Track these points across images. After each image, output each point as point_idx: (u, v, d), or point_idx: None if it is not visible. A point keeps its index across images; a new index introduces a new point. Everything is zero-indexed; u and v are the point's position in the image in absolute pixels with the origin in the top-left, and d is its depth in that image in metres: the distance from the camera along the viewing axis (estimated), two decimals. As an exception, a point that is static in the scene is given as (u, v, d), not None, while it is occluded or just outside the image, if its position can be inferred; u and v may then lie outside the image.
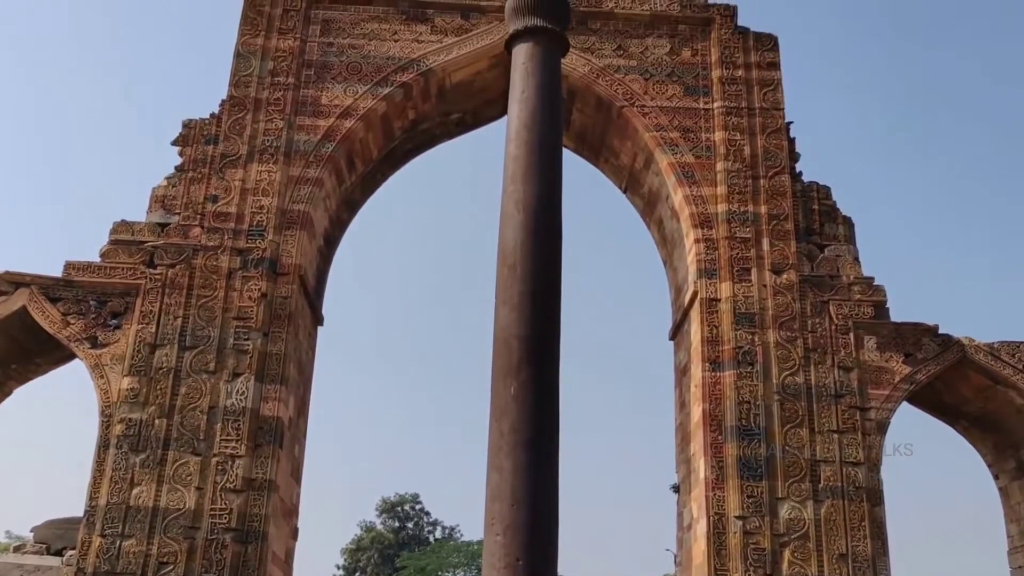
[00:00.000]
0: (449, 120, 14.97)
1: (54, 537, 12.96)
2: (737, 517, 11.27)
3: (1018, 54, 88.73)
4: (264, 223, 12.48)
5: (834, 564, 11.05)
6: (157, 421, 11.39)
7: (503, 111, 9.60)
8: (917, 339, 12.29)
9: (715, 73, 13.57)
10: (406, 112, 14.08)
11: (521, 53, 4.82)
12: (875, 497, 11.44)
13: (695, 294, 12.69)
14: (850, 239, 12.91)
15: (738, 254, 12.52)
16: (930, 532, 62.94)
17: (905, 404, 12.39)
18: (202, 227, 12.46)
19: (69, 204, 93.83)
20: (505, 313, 4.21)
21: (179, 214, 12.58)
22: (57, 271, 12.26)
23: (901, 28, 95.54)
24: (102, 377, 11.70)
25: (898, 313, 12.52)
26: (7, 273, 12.21)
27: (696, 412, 12.41)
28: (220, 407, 11.53)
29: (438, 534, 61.24)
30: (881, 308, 12.44)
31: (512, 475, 3.86)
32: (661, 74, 13.62)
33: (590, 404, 77.53)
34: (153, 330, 11.84)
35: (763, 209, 12.75)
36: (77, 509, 11.61)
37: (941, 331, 12.39)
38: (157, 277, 12.12)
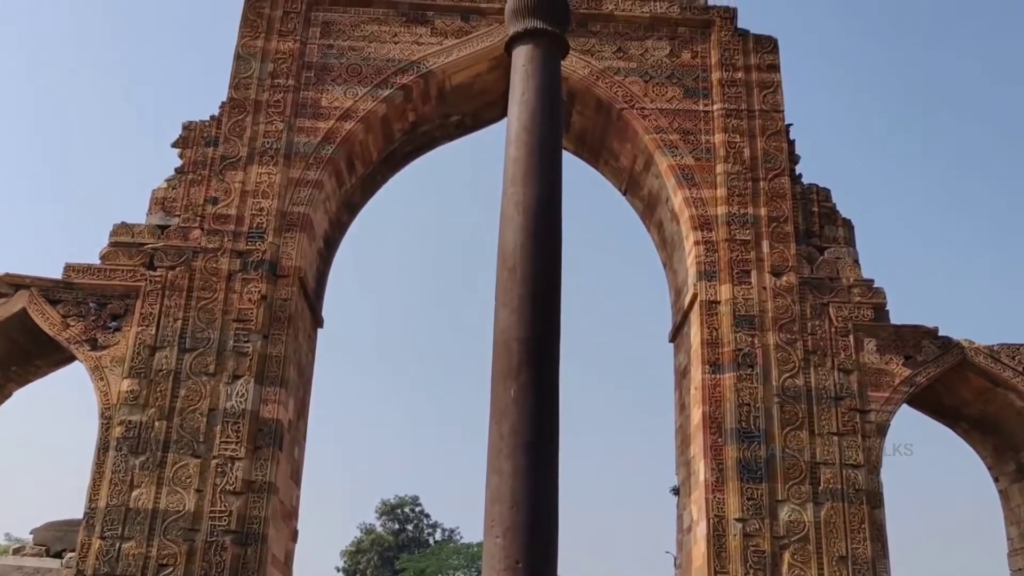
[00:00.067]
0: (449, 122, 14.98)
1: (54, 539, 12.94)
2: (737, 519, 11.27)
3: (1018, 54, 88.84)
4: (264, 225, 12.49)
5: (834, 566, 11.05)
6: (157, 423, 11.39)
7: (503, 113, 9.60)
8: (917, 341, 12.29)
9: (715, 75, 13.58)
10: (406, 114, 14.08)
11: (521, 55, 4.82)
12: (875, 499, 11.43)
13: (695, 296, 12.69)
14: (850, 241, 12.91)
15: (738, 256, 12.52)
16: (930, 534, 62.95)
17: (905, 406, 12.39)
18: (202, 229, 12.46)
19: (69, 205, 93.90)
20: (505, 315, 4.21)
21: (179, 216, 12.59)
22: (57, 273, 12.26)
23: (901, 28, 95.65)
24: (102, 379, 11.70)
25: (898, 315, 12.55)
26: (7, 275, 12.21)
27: (696, 414, 12.41)
28: (220, 409, 11.52)
29: (438, 536, 61.24)
30: (881, 310, 12.44)
31: (512, 477, 3.86)
32: (661, 76, 13.63)
33: (590, 405, 77.54)
34: (153, 332, 11.84)
35: (763, 211, 12.76)
36: (77, 511, 11.62)
37: (941, 333, 12.39)
38: (157, 279, 12.13)
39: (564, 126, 10.40)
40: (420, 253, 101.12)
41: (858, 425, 11.70)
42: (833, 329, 12.20)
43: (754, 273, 12.44)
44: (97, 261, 12.37)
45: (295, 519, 13.28)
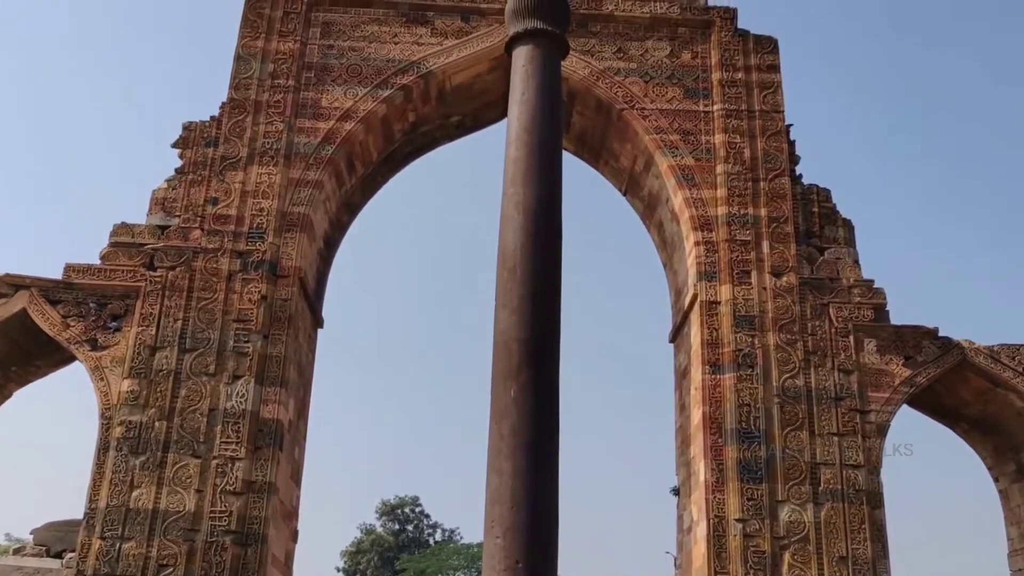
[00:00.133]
0: (449, 123, 14.98)
1: (54, 539, 12.94)
2: (737, 520, 11.27)
3: (1018, 54, 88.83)
4: (264, 225, 12.49)
5: (834, 567, 11.05)
6: (157, 423, 11.39)
7: (503, 114, 9.60)
8: (917, 342, 12.29)
9: (715, 76, 13.58)
10: (406, 114, 14.08)
11: (521, 55, 4.82)
12: (875, 500, 11.43)
13: (695, 297, 12.69)
14: (850, 242, 12.91)
15: (738, 257, 12.52)
16: (930, 534, 62.95)
17: (905, 407, 12.39)
18: (202, 229, 12.47)
19: (69, 205, 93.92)
20: (505, 316, 4.21)
21: (179, 216, 12.59)
22: (57, 273, 12.27)
23: (901, 29, 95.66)
24: (102, 379, 11.70)
25: (898, 315, 12.55)
26: (7, 275, 12.22)
27: (696, 415, 12.41)
28: (220, 409, 11.52)
29: (438, 537, 61.25)
30: (881, 311, 12.44)
31: (512, 477, 3.86)
32: (661, 77, 13.63)
33: (590, 406, 77.54)
34: (153, 332, 11.84)
35: (763, 212, 12.76)
36: (77, 511, 11.62)
37: (941, 334, 12.39)
38: (157, 279, 12.13)
39: (564, 126, 10.40)
40: (420, 253, 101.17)
41: (858, 425, 11.70)
42: (833, 329, 12.21)
43: (754, 273, 12.44)
44: (97, 261, 12.38)
45: (295, 519, 13.28)
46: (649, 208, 14.78)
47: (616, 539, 74.38)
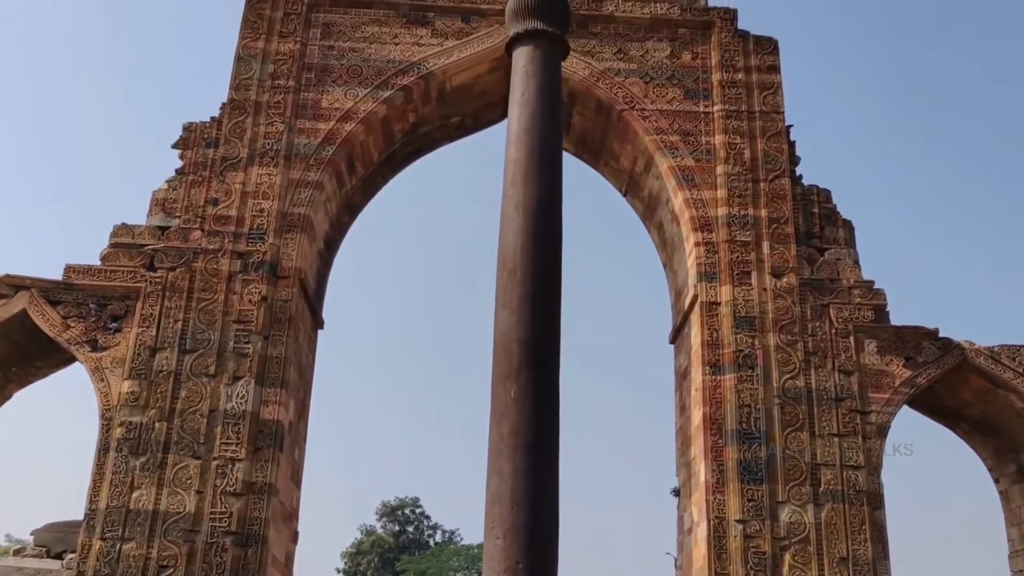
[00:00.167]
0: (449, 123, 14.98)
1: (54, 540, 12.93)
2: (737, 521, 11.26)
3: (1018, 54, 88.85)
4: (264, 226, 12.49)
5: (835, 568, 11.05)
6: (157, 424, 11.39)
7: (503, 114, 9.60)
8: (917, 342, 12.29)
9: (715, 76, 13.58)
10: (406, 115, 14.09)
11: (521, 56, 4.82)
12: (876, 501, 11.43)
13: (695, 297, 12.69)
14: (850, 242, 12.91)
15: (738, 258, 12.52)
16: (930, 535, 62.94)
17: (905, 407, 12.39)
18: (202, 230, 12.47)
19: (69, 206, 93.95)
20: (505, 316, 4.21)
21: (179, 217, 12.59)
22: (57, 274, 12.27)
23: (901, 29, 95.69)
24: (102, 380, 11.70)
25: (898, 316, 12.55)
26: (7, 276, 12.22)
27: (696, 416, 12.41)
28: (220, 410, 11.52)
29: (438, 538, 61.26)
30: (881, 311, 12.44)
31: (512, 478, 3.86)
32: (661, 77, 13.63)
33: (590, 407, 77.55)
34: (153, 333, 11.84)
35: (763, 212, 12.76)
36: (77, 512, 11.61)
37: (941, 334, 12.39)
38: (157, 280, 12.13)
39: (564, 127, 10.41)
40: (420, 254, 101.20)
41: (858, 426, 11.70)
42: (833, 330, 12.20)
43: (754, 274, 12.44)
44: (97, 262, 12.38)
45: (295, 520, 13.28)
46: (649, 209, 14.78)
47: (616, 540, 74.41)
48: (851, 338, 12.16)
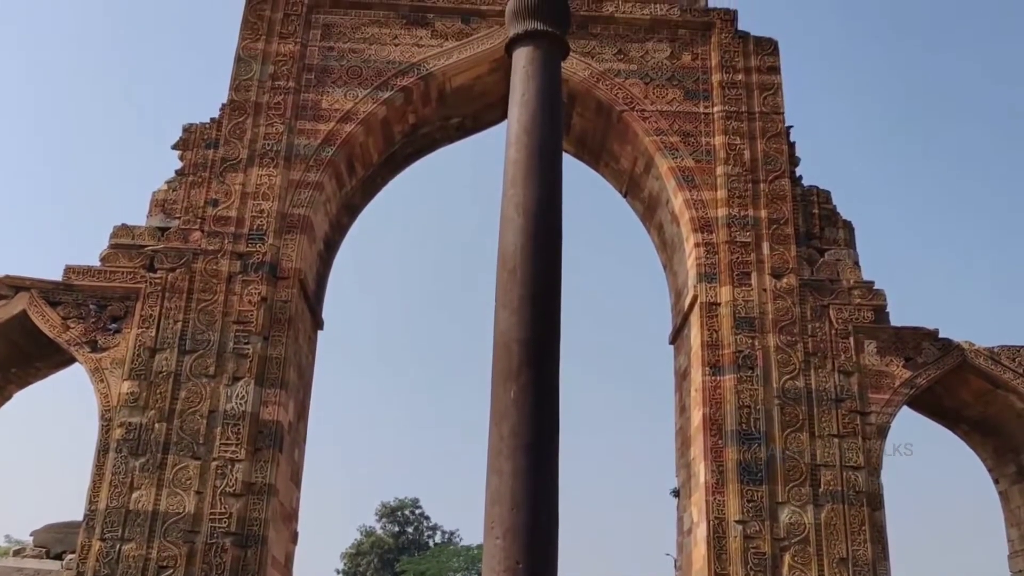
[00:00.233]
0: (449, 124, 14.98)
1: (54, 541, 12.93)
2: (737, 521, 11.26)
3: (1018, 54, 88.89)
4: (264, 227, 12.49)
5: (834, 568, 11.04)
6: (157, 425, 11.39)
7: (503, 115, 9.59)
8: (917, 343, 12.29)
9: (715, 77, 13.58)
10: (406, 116, 14.09)
11: (521, 57, 4.82)
12: (875, 501, 11.43)
13: (695, 298, 12.69)
14: (850, 243, 12.91)
15: (738, 258, 12.52)
16: (930, 536, 62.92)
17: (905, 408, 12.39)
18: (202, 231, 12.47)
19: (69, 206, 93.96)
20: (505, 317, 4.21)
21: (179, 218, 12.59)
22: (57, 275, 12.27)
23: (901, 30, 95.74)
24: (102, 381, 11.70)
25: (898, 317, 12.55)
26: (7, 277, 12.22)
27: (696, 416, 12.41)
28: (220, 411, 11.52)
29: (438, 538, 61.24)
30: (881, 312, 12.44)
31: (512, 478, 3.86)
32: (661, 78, 13.64)
33: (590, 407, 77.57)
34: (153, 334, 11.84)
35: (763, 213, 12.76)
36: (77, 513, 11.61)
37: (941, 335, 12.39)
38: (157, 281, 12.13)
39: (564, 128, 10.40)
40: (420, 255, 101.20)
41: (858, 427, 11.70)
42: (833, 331, 12.20)
43: (754, 275, 12.44)
44: (97, 263, 12.38)
45: (295, 521, 13.28)
46: (649, 210, 14.78)
47: (616, 540, 74.42)
48: (851, 339, 12.16)
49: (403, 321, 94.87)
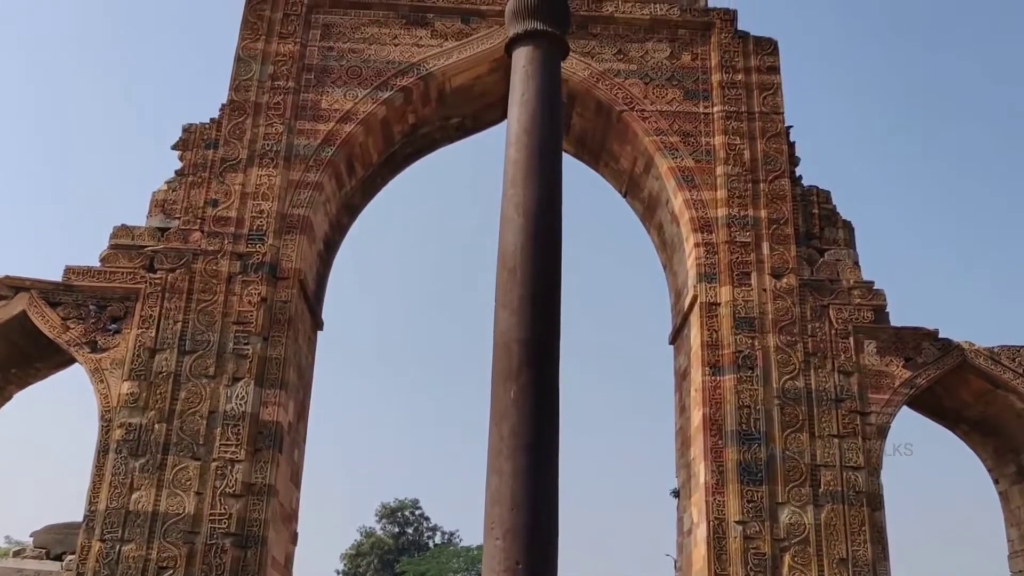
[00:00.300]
0: (449, 124, 14.98)
1: (54, 542, 12.93)
2: (737, 522, 11.26)
3: (1018, 54, 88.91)
4: (264, 227, 12.49)
5: (834, 569, 11.04)
6: (157, 426, 11.38)
7: (503, 115, 9.59)
8: (917, 343, 12.29)
9: (715, 77, 13.58)
10: (406, 116, 14.09)
11: (521, 56, 4.82)
12: (875, 501, 11.43)
13: (695, 298, 12.69)
14: (850, 243, 12.91)
15: (738, 258, 12.52)
16: (930, 536, 62.92)
17: (905, 408, 12.39)
18: (202, 231, 12.46)
19: (69, 206, 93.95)
20: (505, 316, 4.21)
21: (179, 218, 12.59)
22: (57, 275, 12.26)
23: (901, 30, 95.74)
24: (102, 382, 11.69)
25: (898, 317, 12.54)
26: (7, 278, 12.21)
27: (696, 416, 12.41)
28: (220, 412, 11.52)
29: (438, 539, 61.22)
30: (881, 312, 12.44)
31: (512, 478, 3.86)
32: (661, 78, 13.63)
33: (590, 407, 77.57)
34: (153, 334, 11.83)
35: (763, 213, 12.76)
36: (77, 514, 11.61)
37: (941, 335, 12.39)
38: (157, 281, 12.12)
39: (564, 128, 10.41)
40: (420, 255, 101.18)
41: (858, 427, 11.69)
42: (833, 331, 12.20)
43: (754, 275, 12.44)
44: (97, 263, 12.37)
45: (295, 522, 13.27)
46: (649, 210, 14.78)
47: (616, 541, 74.42)
48: (851, 339, 12.15)
49: (403, 321, 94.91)
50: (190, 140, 13.04)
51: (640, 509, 78.00)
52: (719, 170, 13.00)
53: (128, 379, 11.62)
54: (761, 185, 12.92)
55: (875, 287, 12.52)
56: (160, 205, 12.76)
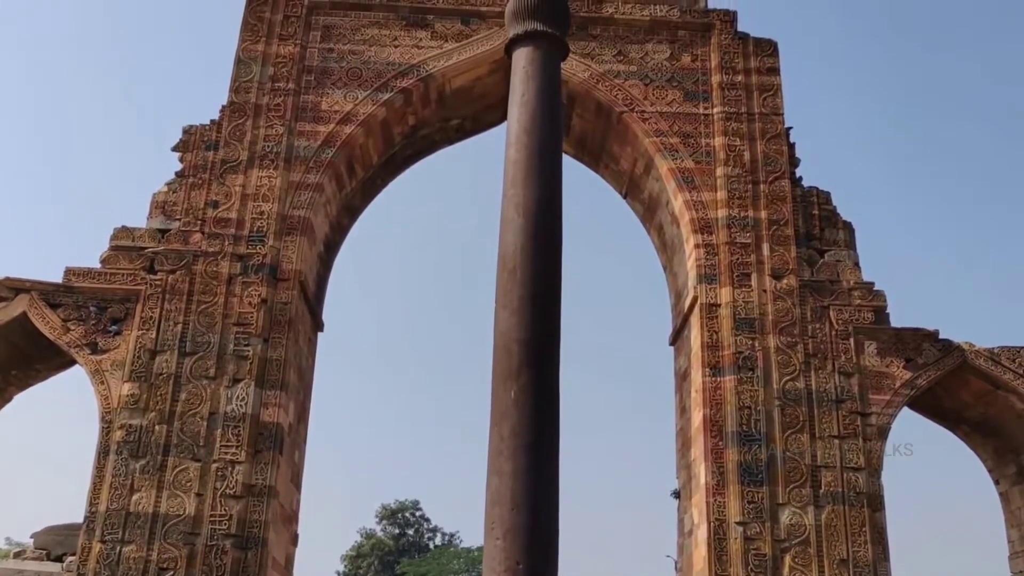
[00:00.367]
0: (449, 126, 14.98)
1: (54, 543, 12.93)
2: (738, 523, 11.25)
3: (1018, 54, 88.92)
4: (264, 229, 12.49)
5: (835, 569, 11.03)
6: (157, 427, 11.38)
7: (503, 117, 9.59)
8: (917, 344, 12.28)
9: (715, 78, 13.58)
10: (406, 118, 14.09)
11: (521, 57, 4.82)
12: (876, 502, 11.42)
13: (695, 299, 12.69)
14: (850, 244, 12.91)
15: (738, 259, 12.52)
16: (931, 537, 62.90)
17: (906, 409, 12.38)
18: (202, 233, 12.46)
19: (69, 207, 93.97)
20: (505, 317, 4.21)
21: (180, 220, 12.59)
22: (57, 277, 12.27)
23: (901, 30, 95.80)
24: (102, 383, 11.69)
25: (898, 318, 12.54)
26: (7, 279, 12.21)
27: (696, 417, 12.40)
28: (220, 413, 11.51)
29: (438, 541, 61.21)
30: (881, 313, 12.44)
31: (512, 479, 3.85)
32: (661, 79, 13.63)
33: (590, 408, 77.56)
34: (153, 336, 11.83)
35: (763, 214, 12.76)
36: (77, 515, 11.61)
37: (941, 336, 12.39)
38: (157, 283, 12.12)
39: (564, 129, 10.40)
40: (420, 256, 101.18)
41: (859, 428, 11.69)
42: (834, 332, 12.20)
43: (754, 276, 12.44)
44: (97, 265, 12.37)
45: (295, 523, 13.27)
46: (649, 211, 14.78)
47: (616, 541, 74.41)
48: (851, 340, 12.15)
49: (403, 322, 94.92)
50: (190, 141, 13.04)
51: (640, 510, 78.03)
52: (719, 171, 13.00)
53: (128, 380, 11.62)
54: (761, 186, 12.92)
55: (875, 288, 12.51)
56: (160, 206, 12.76)
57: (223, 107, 13.21)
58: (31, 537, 13.60)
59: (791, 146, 13.34)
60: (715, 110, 13.39)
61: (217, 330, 11.90)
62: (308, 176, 12.92)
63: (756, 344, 12.06)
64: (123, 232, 12.57)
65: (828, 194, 13.20)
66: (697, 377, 12.38)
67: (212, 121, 13.16)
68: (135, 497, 11.09)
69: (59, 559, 12.62)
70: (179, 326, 11.90)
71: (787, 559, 11.11)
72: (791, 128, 13.46)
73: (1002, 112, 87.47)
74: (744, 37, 13.89)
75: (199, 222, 12.53)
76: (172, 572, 10.81)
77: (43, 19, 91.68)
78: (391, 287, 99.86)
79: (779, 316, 12.20)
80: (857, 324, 12.24)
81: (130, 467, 11.21)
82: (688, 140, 13.25)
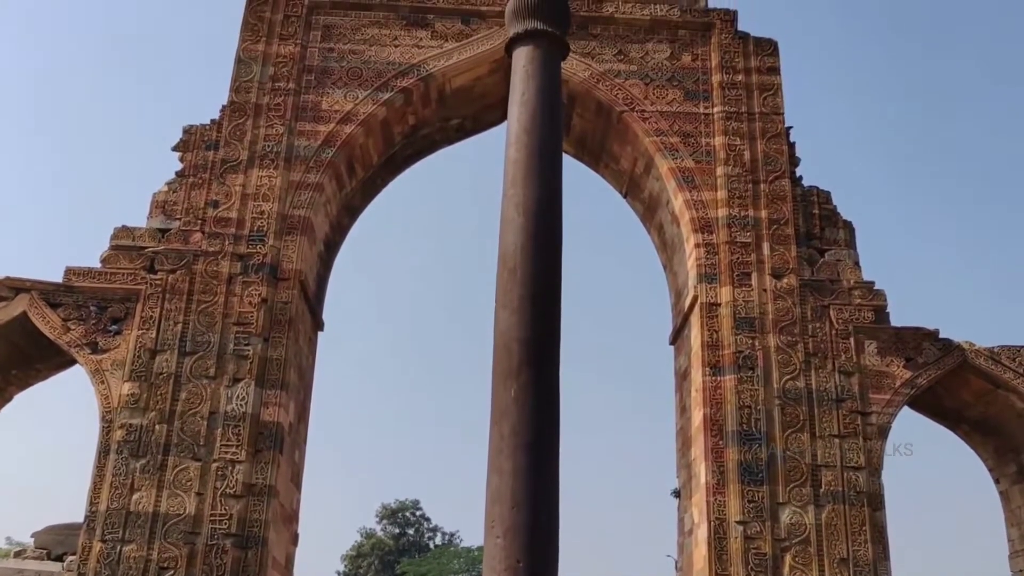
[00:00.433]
0: (449, 125, 14.98)
1: (55, 543, 12.94)
2: (738, 522, 11.26)
3: (1018, 54, 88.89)
4: (264, 228, 12.49)
5: (835, 568, 11.04)
6: (157, 427, 11.38)
7: (503, 116, 9.59)
8: (918, 343, 12.28)
9: (715, 78, 13.58)
10: (406, 117, 14.09)
11: (521, 56, 4.82)
12: (876, 501, 11.42)
13: (695, 299, 12.69)
14: (850, 243, 12.91)
15: (738, 259, 12.52)
16: (931, 536, 62.89)
17: (906, 408, 12.38)
18: (203, 232, 12.46)
19: (69, 207, 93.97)
20: (505, 316, 4.21)
21: (180, 219, 12.59)
22: (58, 276, 12.27)
23: (901, 30, 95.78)
24: (102, 383, 11.70)
25: (898, 317, 12.54)
26: (7, 279, 12.22)
27: (697, 416, 12.40)
28: (220, 412, 11.52)
29: (438, 540, 61.21)
30: (881, 312, 12.44)
31: (512, 477, 3.86)
32: (661, 79, 13.63)
33: (590, 407, 77.57)
34: (153, 335, 11.83)
35: (763, 214, 12.76)
36: (78, 515, 11.61)
37: (941, 335, 12.39)
38: (158, 282, 12.13)
39: (564, 128, 10.40)
40: (420, 256, 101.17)
41: (859, 427, 11.69)
42: (834, 331, 12.20)
43: (755, 275, 12.44)
44: (98, 264, 12.37)
45: (296, 522, 13.27)
46: (649, 210, 14.78)
47: (616, 541, 74.40)
48: (851, 339, 12.15)
49: (403, 322, 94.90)
50: (190, 141, 13.04)
51: (640, 509, 78.04)
52: (719, 171, 13.00)
53: (129, 380, 11.62)
54: (761, 186, 12.92)
55: (875, 287, 12.52)
56: (160, 206, 12.76)
57: (223, 107, 13.21)
58: (31, 536, 13.61)
59: (791, 145, 13.34)
60: (715, 109, 13.39)
61: (217, 330, 11.91)
62: (308, 176, 12.92)
63: (756, 343, 12.06)
64: (123, 232, 12.57)
65: (828, 193, 13.20)
66: (697, 376, 12.38)
67: (212, 121, 13.16)
68: (135, 496, 11.09)
69: (59, 558, 12.63)
70: (179, 326, 11.91)
71: (787, 558, 11.11)
72: (791, 127, 13.47)
73: (1002, 112, 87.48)
74: (744, 37, 13.89)
75: (199, 222, 12.53)
76: (172, 571, 10.81)
77: (43, 19, 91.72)
78: (391, 287, 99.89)
79: (779, 315, 12.20)
80: (857, 323, 12.25)
81: (130, 466, 11.22)
82: (688, 139, 13.25)
